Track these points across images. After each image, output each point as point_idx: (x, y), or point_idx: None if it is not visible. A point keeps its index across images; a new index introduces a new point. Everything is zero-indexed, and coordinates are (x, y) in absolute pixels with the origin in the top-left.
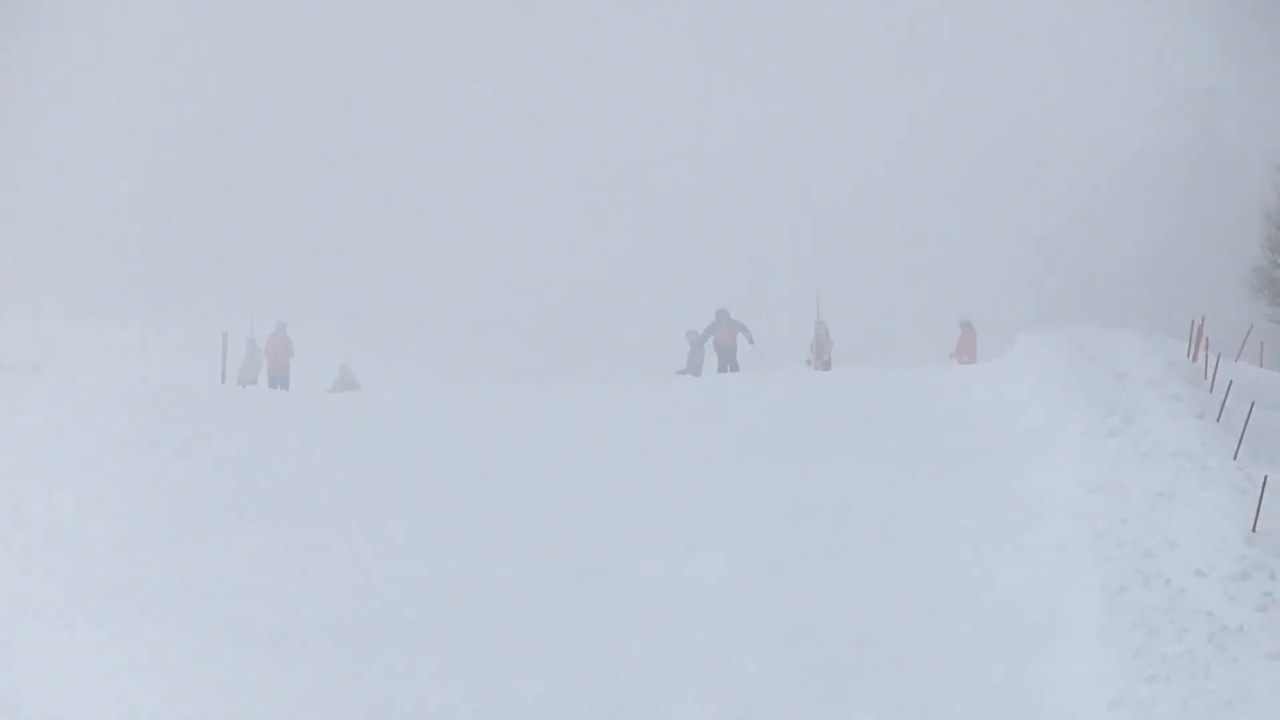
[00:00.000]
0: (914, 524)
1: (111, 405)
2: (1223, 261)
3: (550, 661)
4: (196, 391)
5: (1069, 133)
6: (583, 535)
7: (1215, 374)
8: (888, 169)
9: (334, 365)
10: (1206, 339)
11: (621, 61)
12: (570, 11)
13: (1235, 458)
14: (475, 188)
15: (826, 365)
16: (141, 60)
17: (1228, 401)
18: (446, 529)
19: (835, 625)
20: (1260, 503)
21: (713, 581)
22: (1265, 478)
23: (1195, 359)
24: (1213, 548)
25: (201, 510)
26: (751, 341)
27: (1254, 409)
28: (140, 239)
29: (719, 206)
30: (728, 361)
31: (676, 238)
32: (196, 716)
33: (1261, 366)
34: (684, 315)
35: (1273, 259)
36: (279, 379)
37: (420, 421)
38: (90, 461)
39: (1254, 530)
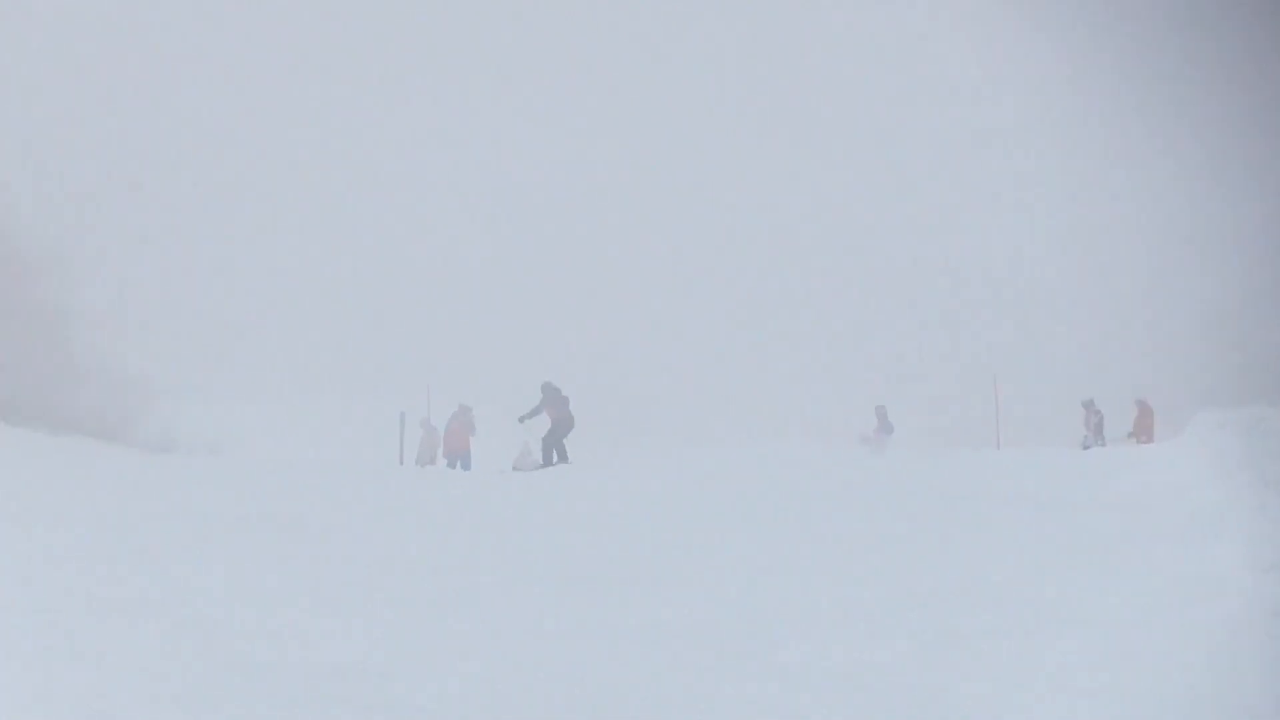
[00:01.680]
0: (1073, 607)
1: (270, 487)
2: None
3: None
4: (371, 471)
5: (1247, 201)
6: (723, 615)
7: None
8: (1049, 242)
9: (515, 442)
10: None
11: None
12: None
13: None
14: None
15: None
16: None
17: None
18: (580, 610)
19: (979, 707)
20: None
21: (856, 664)
22: None
23: None
24: None
25: (336, 592)
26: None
27: None
28: (315, 318)
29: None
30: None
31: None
32: None
33: None
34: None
35: None
36: (459, 458)
37: (555, 499)
38: (236, 541)
39: None
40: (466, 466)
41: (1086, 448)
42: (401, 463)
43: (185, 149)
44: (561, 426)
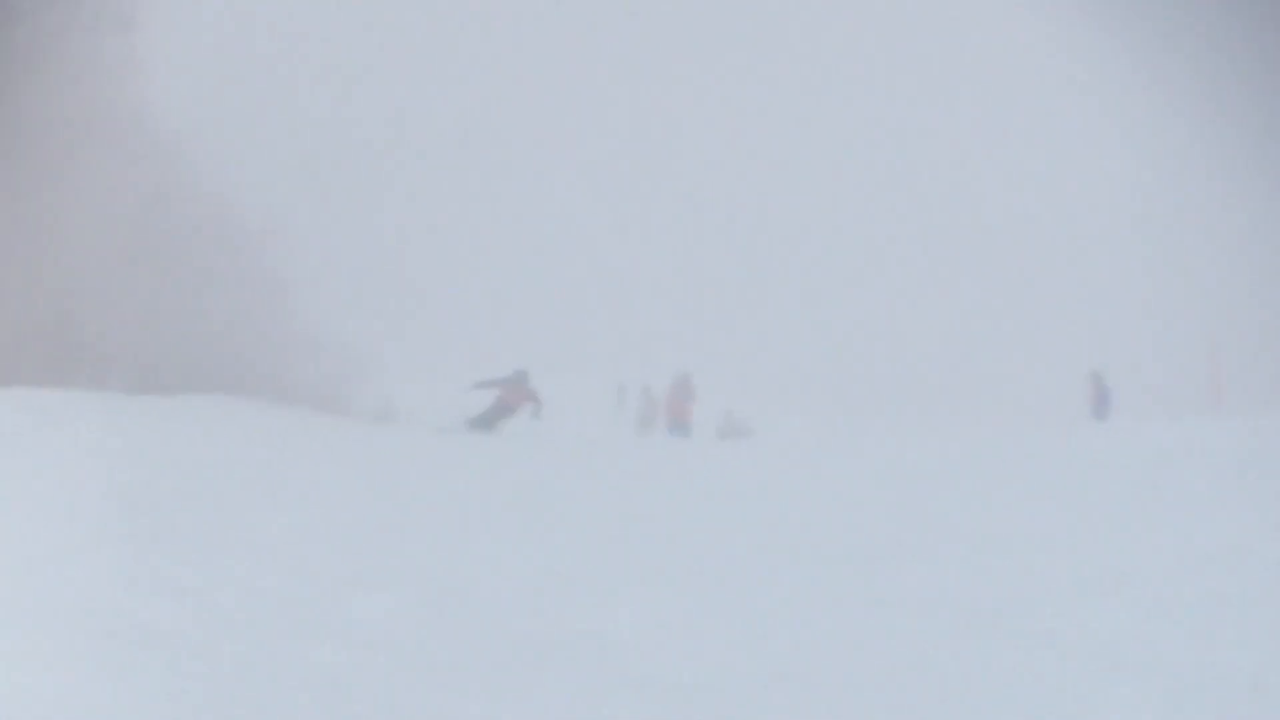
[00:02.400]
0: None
1: (502, 457)
2: None
3: (951, 713)
4: (590, 441)
5: None
6: (978, 584)
7: None
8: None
9: (720, 411)
10: None
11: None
12: None
13: None
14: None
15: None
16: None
17: None
18: (839, 581)
19: (1232, 670)
20: None
21: (1109, 629)
22: None
23: None
24: None
25: (593, 565)
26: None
27: None
28: (532, 290)
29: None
30: None
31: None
32: None
33: None
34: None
35: None
36: (680, 426)
37: (806, 468)
38: (486, 515)
39: None
40: (686, 434)
41: None
42: (620, 430)
43: (394, 123)
44: (502, 411)
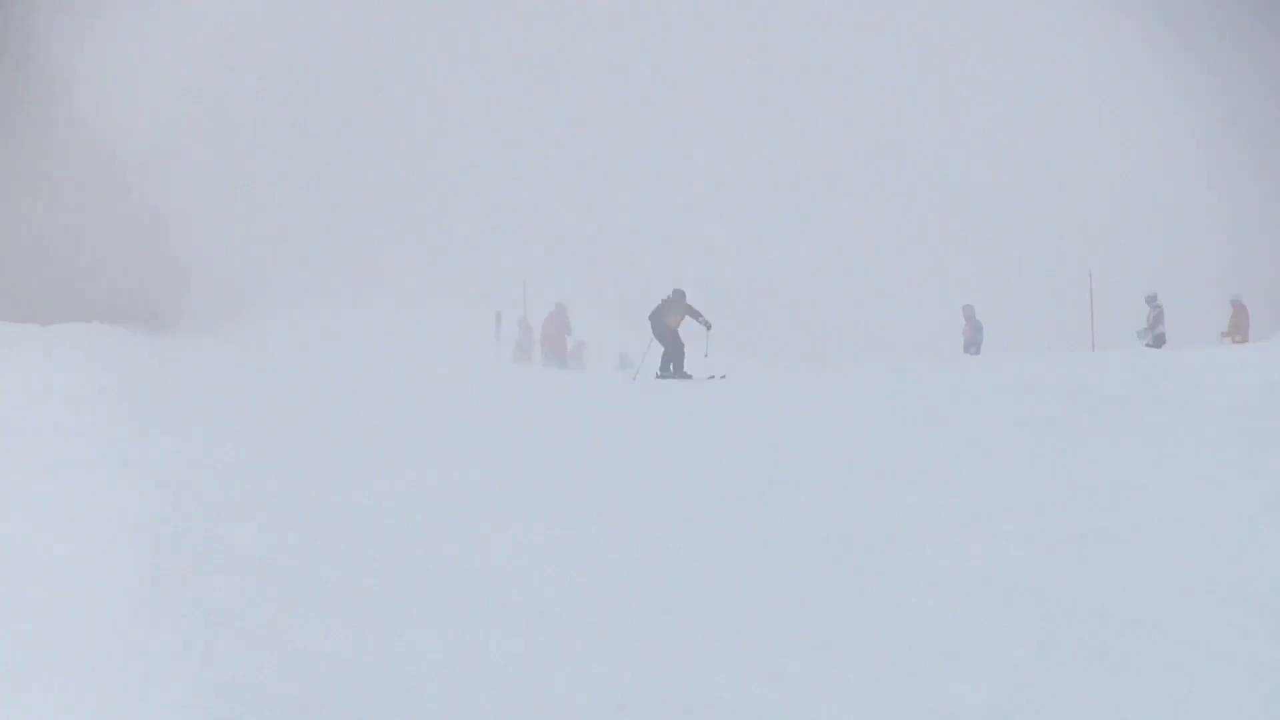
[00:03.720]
0: (1186, 505)
1: (383, 388)
2: None
3: (823, 643)
4: (468, 371)
5: None
6: (855, 517)
7: None
8: (1157, 152)
9: (613, 347)
10: None
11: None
12: None
13: None
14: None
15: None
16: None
17: None
18: (716, 512)
19: (1107, 605)
20: None
21: (983, 562)
22: None
23: None
24: None
25: (472, 494)
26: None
27: None
28: (404, 212)
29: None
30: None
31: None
32: (474, 695)
33: None
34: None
35: None
36: (555, 359)
37: (695, 404)
38: (368, 445)
39: None
40: (563, 366)
41: (1148, 344)
42: (498, 361)
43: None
44: (674, 335)
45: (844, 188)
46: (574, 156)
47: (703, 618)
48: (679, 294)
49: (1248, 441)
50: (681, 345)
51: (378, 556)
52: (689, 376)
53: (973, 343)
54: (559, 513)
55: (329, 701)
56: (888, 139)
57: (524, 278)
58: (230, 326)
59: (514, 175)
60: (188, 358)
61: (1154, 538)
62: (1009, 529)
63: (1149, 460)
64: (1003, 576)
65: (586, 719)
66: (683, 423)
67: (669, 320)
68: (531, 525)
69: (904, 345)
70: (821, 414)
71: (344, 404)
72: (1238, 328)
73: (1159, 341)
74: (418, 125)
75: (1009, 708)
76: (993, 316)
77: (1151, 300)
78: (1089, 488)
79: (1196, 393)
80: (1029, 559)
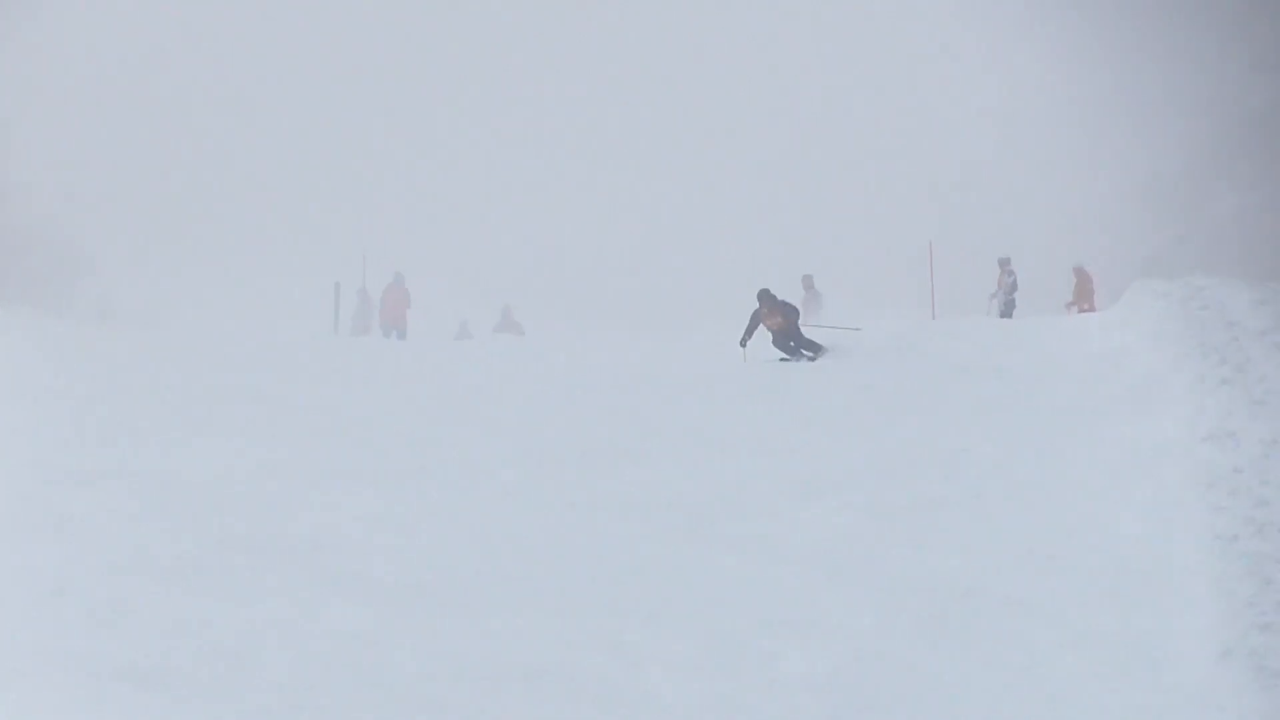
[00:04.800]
0: (1024, 474)
1: (221, 359)
2: None
3: (663, 613)
4: (306, 342)
5: (1179, 83)
6: (694, 487)
7: None
8: (995, 124)
9: (453, 318)
10: None
11: None
12: None
13: None
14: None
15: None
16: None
17: None
18: (556, 481)
19: (946, 575)
20: None
21: (823, 532)
22: None
23: None
24: None
25: (311, 464)
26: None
27: None
28: (244, 184)
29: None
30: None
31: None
32: (314, 663)
33: None
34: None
35: None
36: (394, 330)
37: (537, 374)
38: (206, 415)
39: None
40: (402, 337)
41: (1002, 314)
42: (336, 333)
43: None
44: (787, 334)
45: (688, 150)
46: (418, 126)
47: (541, 587)
48: (765, 294)
49: (1087, 411)
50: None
51: (217, 525)
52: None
53: (811, 311)
54: (397, 482)
55: (169, 671)
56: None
57: (363, 248)
58: (63, 295)
59: (352, 143)
60: (20, 327)
61: (992, 507)
62: (849, 499)
63: (988, 430)
64: (843, 546)
65: (426, 687)
66: (524, 393)
67: (769, 323)
68: (369, 495)
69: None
70: (663, 384)
71: (180, 374)
72: (1083, 295)
73: (1009, 309)
74: (258, 88)
75: (850, 676)
76: (833, 285)
77: (1005, 264)
78: (928, 458)
79: (1037, 362)
80: (868, 529)
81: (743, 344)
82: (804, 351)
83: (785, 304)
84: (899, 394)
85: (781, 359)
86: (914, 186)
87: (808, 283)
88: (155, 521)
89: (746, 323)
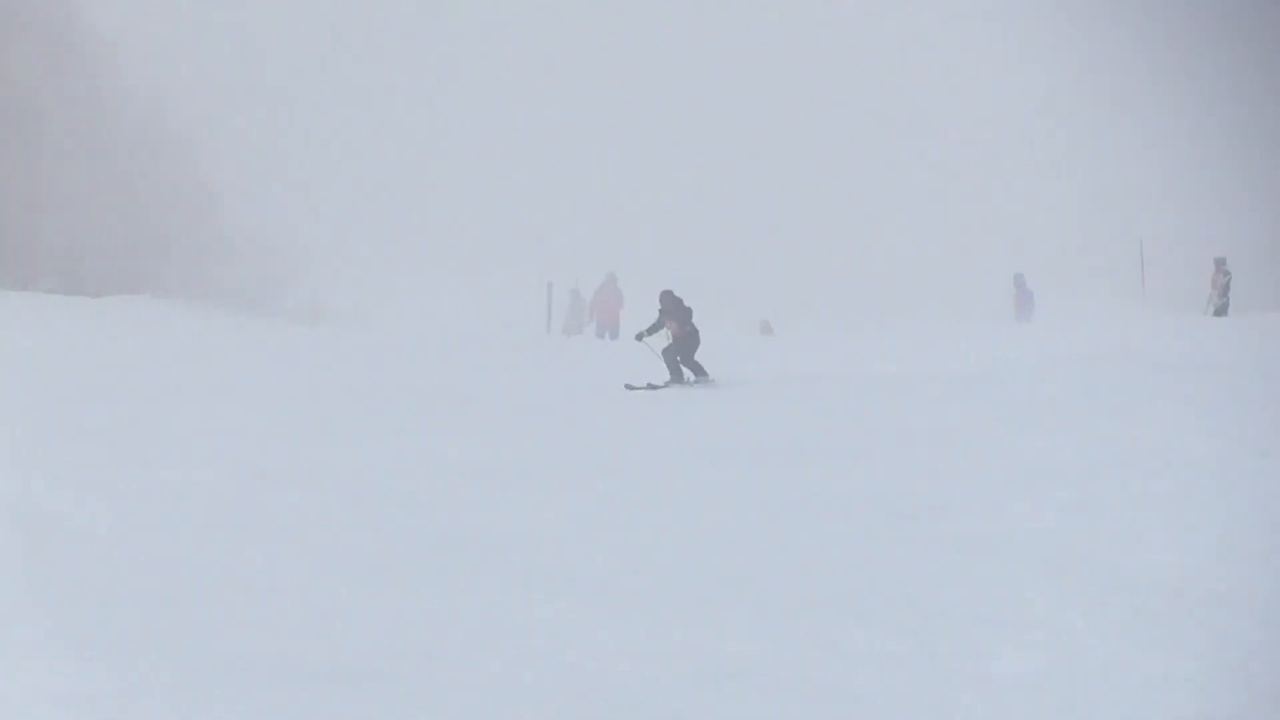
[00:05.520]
0: (1238, 473)
1: (431, 359)
2: None
3: (871, 611)
4: (518, 342)
5: None
6: (901, 485)
7: None
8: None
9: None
10: None
11: None
12: None
13: None
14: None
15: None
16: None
17: None
18: (762, 480)
19: (1156, 571)
20: None
21: (1032, 529)
22: None
23: None
24: None
25: (517, 462)
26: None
27: None
28: (457, 182)
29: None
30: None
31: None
32: (527, 663)
33: None
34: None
35: None
36: (608, 330)
37: (735, 372)
38: (414, 414)
39: None
40: (614, 337)
41: (1217, 313)
42: (549, 333)
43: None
44: (689, 341)
45: (886, 152)
46: (627, 130)
47: (747, 585)
48: (667, 296)
49: None
50: (694, 345)
51: (413, 525)
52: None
53: (1024, 310)
54: (599, 480)
55: (382, 673)
56: (935, 106)
57: (576, 248)
58: (276, 300)
59: (565, 147)
60: (232, 330)
61: (1205, 505)
62: (1058, 496)
63: (1201, 428)
64: (1052, 544)
65: (637, 685)
66: (723, 391)
67: (673, 329)
68: (577, 494)
69: (954, 312)
70: (866, 381)
71: (390, 374)
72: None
73: (1224, 308)
74: (466, 93)
75: (1062, 675)
76: (1042, 282)
77: (1221, 263)
78: (1139, 455)
79: (1253, 361)
80: (1078, 525)
81: (638, 338)
82: (685, 371)
83: (687, 311)
84: (1110, 391)
85: (649, 385)
86: (1115, 180)
87: (1019, 282)
88: (363, 522)
89: (654, 321)
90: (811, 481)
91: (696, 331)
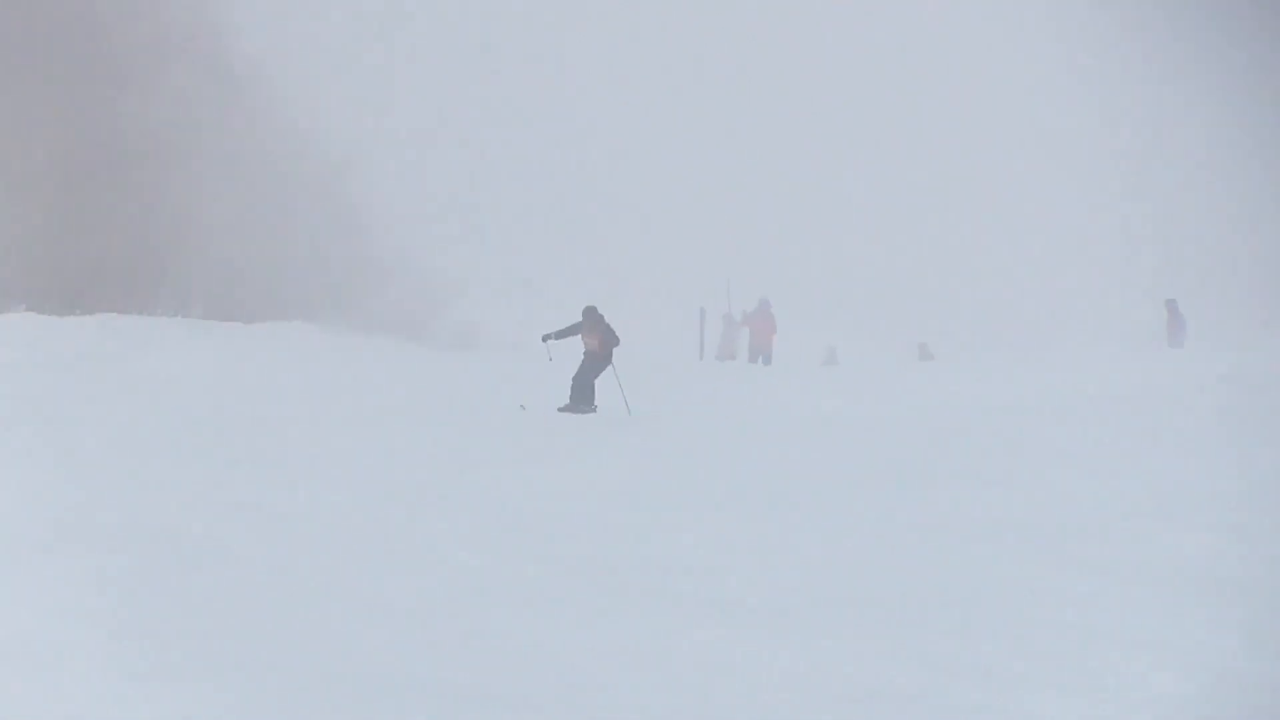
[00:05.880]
0: None
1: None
2: None
3: (1025, 635)
4: (669, 367)
5: None
6: (1050, 509)
7: None
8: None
9: (820, 344)
10: None
11: None
12: None
13: None
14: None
15: None
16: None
17: None
18: (907, 504)
19: None
20: None
21: (1185, 554)
22: None
23: None
24: None
25: (663, 488)
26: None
27: None
28: (606, 208)
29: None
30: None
31: None
32: (673, 687)
33: None
34: None
35: None
36: (761, 355)
37: (887, 395)
38: (556, 439)
39: None
40: (768, 362)
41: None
42: (701, 357)
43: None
44: (601, 362)
45: (1033, 178)
46: (778, 155)
47: (898, 609)
48: (591, 312)
49: None
50: (607, 361)
51: (567, 550)
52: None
53: (1176, 335)
54: (749, 504)
55: (526, 697)
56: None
57: (728, 274)
58: (429, 325)
59: (714, 173)
60: (385, 355)
61: None
62: (1210, 520)
63: None
64: (1205, 568)
65: (789, 709)
66: (878, 415)
67: (589, 342)
68: (720, 518)
69: (1107, 337)
70: (1013, 404)
71: (539, 399)
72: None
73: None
74: (610, 121)
75: (1219, 699)
76: (1195, 308)
77: (1173, 305)
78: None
79: None
80: (1231, 550)
81: (545, 339)
82: (585, 396)
83: (608, 329)
84: (1254, 418)
85: (560, 408)
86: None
87: (1171, 307)
88: (506, 547)
89: (567, 325)
90: (962, 505)
91: (611, 355)
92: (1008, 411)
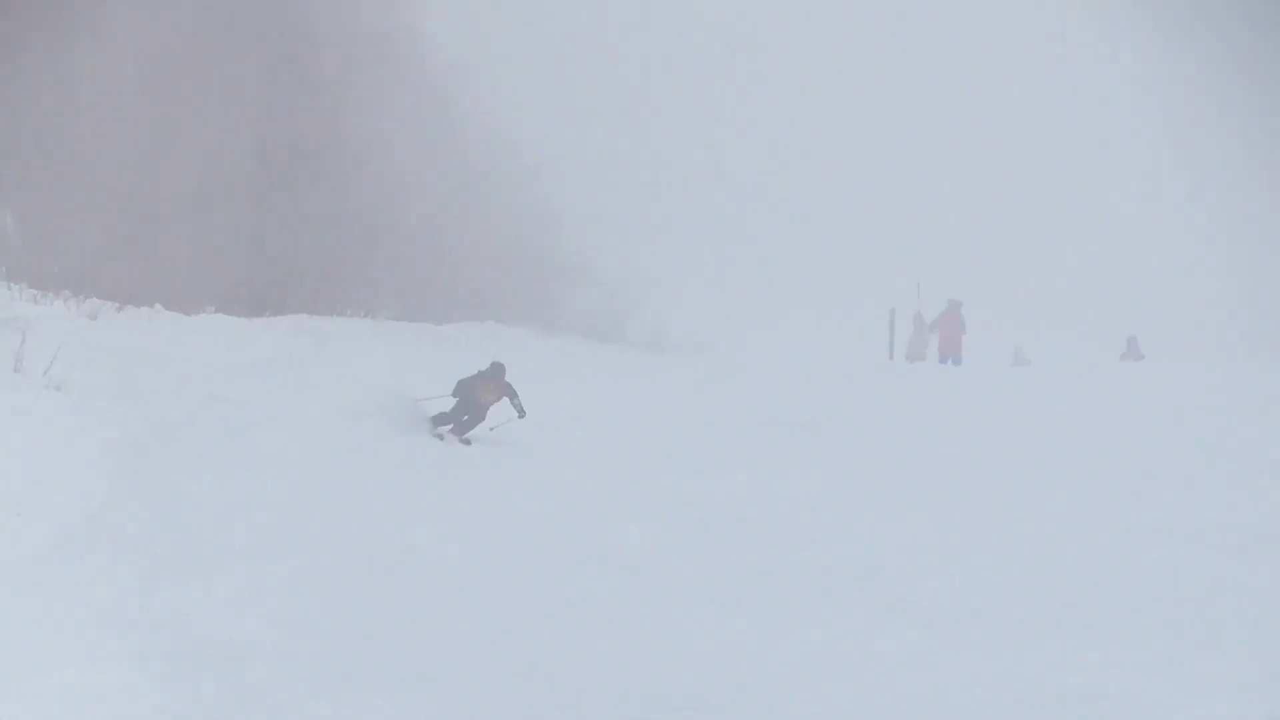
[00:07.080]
0: None
1: (773, 385)
2: None
3: (1221, 637)
4: (858, 368)
5: None
6: (1240, 513)
7: None
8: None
9: (1008, 346)
10: None
11: None
12: None
13: None
14: None
15: None
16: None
17: None
18: (1106, 507)
19: None
20: None
21: None
22: None
23: None
24: None
25: (861, 487)
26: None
27: None
28: (799, 205)
29: None
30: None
31: None
32: (871, 691)
33: None
34: None
35: None
36: (950, 356)
37: (1074, 398)
38: (756, 443)
39: None
40: (957, 363)
41: None
42: (891, 358)
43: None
44: (478, 417)
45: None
46: (964, 156)
47: (1095, 611)
48: (499, 369)
49: None
50: (482, 419)
51: (766, 555)
52: (466, 441)
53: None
54: (942, 510)
55: (721, 700)
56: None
57: (918, 275)
58: (619, 327)
59: (905, 173)
60: (575, 358)
61: None
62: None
63: None
64: None
65: (987, 714)
66: (1069, 417)
67: (484, 396)
68: (914, 521)
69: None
70: (1212, 408)
71: (729, 403)
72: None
73: None
74: (800, 121)
75: None
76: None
77: (1133, 342)
78: None
79: None
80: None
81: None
82: (452, 426)
83: (510, 388)
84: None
85: (462, 439)
86: None
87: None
88: (700, 551)
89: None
90: (1151, 508)
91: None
92: (1209, 413)
